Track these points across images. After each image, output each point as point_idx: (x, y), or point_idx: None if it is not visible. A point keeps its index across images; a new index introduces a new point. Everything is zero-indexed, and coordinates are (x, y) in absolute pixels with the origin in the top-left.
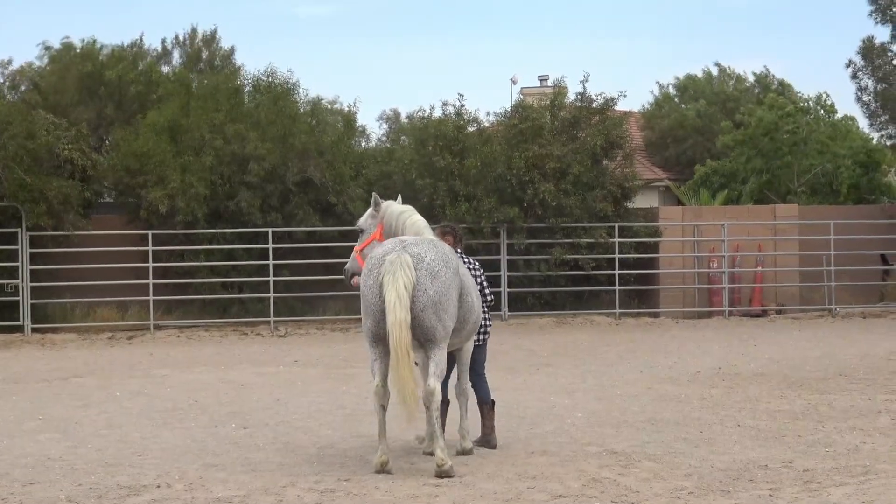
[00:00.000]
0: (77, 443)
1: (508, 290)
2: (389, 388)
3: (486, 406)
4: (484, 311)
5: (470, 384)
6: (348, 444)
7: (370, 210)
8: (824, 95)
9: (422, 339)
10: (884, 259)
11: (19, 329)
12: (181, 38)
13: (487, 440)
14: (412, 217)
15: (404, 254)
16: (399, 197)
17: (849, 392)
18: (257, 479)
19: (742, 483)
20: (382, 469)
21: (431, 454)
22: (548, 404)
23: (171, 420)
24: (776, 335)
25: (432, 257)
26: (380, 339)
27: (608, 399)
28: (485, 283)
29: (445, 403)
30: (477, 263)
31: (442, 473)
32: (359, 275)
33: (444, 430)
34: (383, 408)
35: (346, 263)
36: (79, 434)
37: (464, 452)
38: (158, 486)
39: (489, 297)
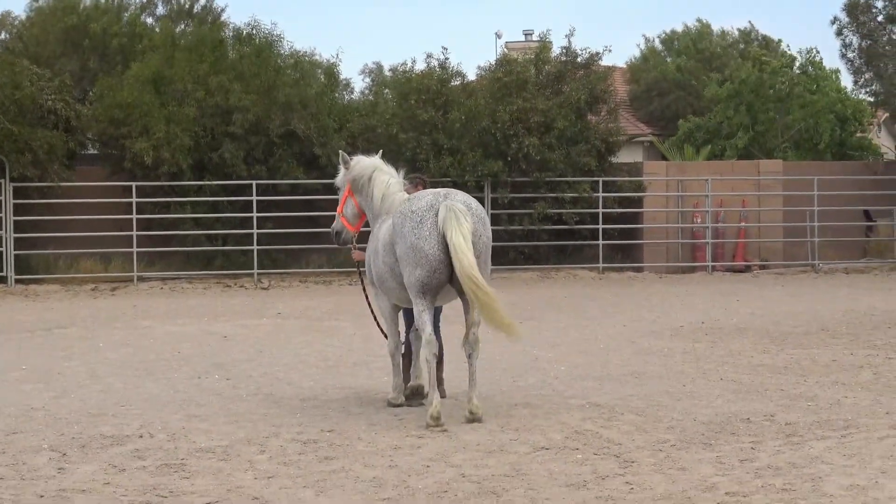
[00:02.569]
0: (60, 393)
1: (492, 244)
2: (501, 329)
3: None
4: None
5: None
6: (331, 396)
7: (342, 168)
8: (814, 51)
9: None
10: (867, 215)
11: (2, 280)
12: None
13: (440, 391)
14: (381, 177)
15: (455, 202)
16: (380, 151)
17: (831, 347)
18: (240, 429)
19: (724, 436)
20: (436, 422)
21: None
22: (531, 357)
23: (154, 371)
24: (759, 290)
25: (476, 205)
26: (429, 290)
27: (591, 353)
28: None
29: (439, 356)
30: None
31: (476, 418)
32: (344, 235)
33: (443, 381)
34: (435, 356)
35: (331, 216)
36: (62, 384)
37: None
38: (141, 437)
39: None
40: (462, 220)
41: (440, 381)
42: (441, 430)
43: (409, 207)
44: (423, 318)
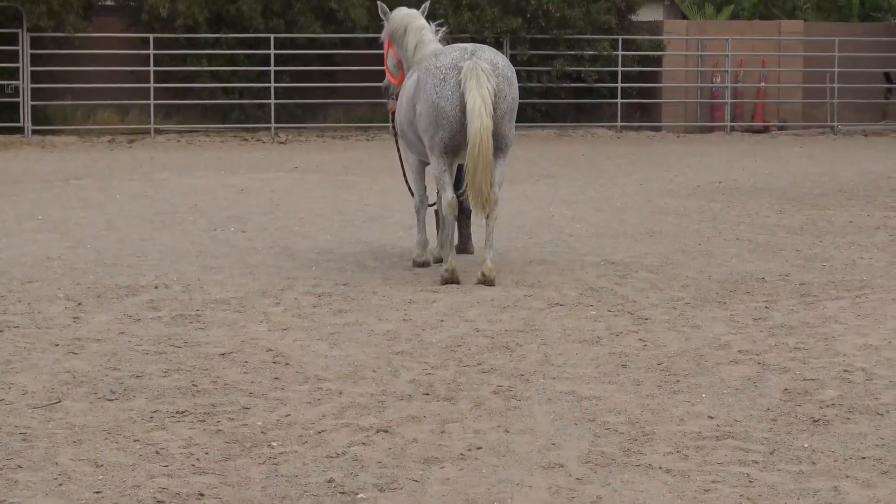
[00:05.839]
0: (76, 243)
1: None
2: (469, 194)
3: (464, 215)
4: None
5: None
6: (346, 250)
7: (385, 23)
8: None
9: (493, 147)
10: (887, 77)
11: (19, 130)
12: None
13: (465, 248)
14: (415, 28)
15: (480, 61)
16: (427, 3)
17: (848, 208)
18: (255, 281)
19: (738, 295)
20: (451, 277)
21: (440, 261)
22: (547, 214)
23: (170, 223)
24: (777, 151)
25: (503, 63)
26: (451, 150)
27: (607, 211)
28: None
29: (467, 213)
30: None
31: (489, 281)
32: (392, 89)
33: (470, 237)
34: (456, 218)
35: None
36: (78, 235)
37: (437, 260)
38: (156, 287)
39: None
40: (483, 80)
41: (468, 237)
42: (456, 282)
43: (433, 63)
44: (444, 179)
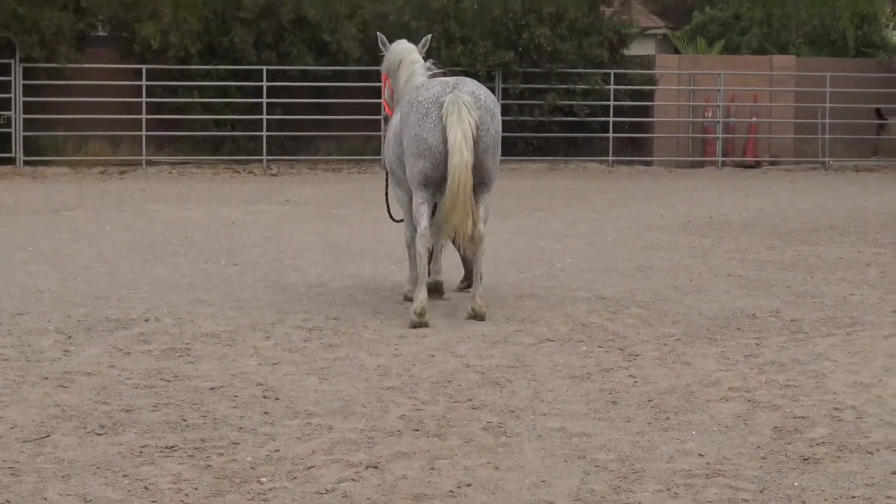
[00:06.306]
0: (67, 275)
1: (502, 134)
2: (446, 229)
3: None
4: None
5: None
6: (337, 284)
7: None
8: None
9: (477, 182)
10: (879, 113)
11: (11, 161)
12: None
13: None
14: (408, 65)
15: (462, 94)
16: (427, 37)
17: (839, 244)
18: (246, 315)
19: (729, 331)
20: (421, 317)
21: (411, 299)
22: (538, 248)
23: (161, 255)
24: (768, 186)
25: (485, 95)
26: (431, 183)
27: (598, 245)
28: None
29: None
30: None
31: (479, 316)
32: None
33: (437, 272)
34: (428, 250)
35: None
36: (69, 266)
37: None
38: (147, 320)
39: None
40: (465, 114)
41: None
42: (423, 325)
43: (416, 97)
44: (421, 211)
